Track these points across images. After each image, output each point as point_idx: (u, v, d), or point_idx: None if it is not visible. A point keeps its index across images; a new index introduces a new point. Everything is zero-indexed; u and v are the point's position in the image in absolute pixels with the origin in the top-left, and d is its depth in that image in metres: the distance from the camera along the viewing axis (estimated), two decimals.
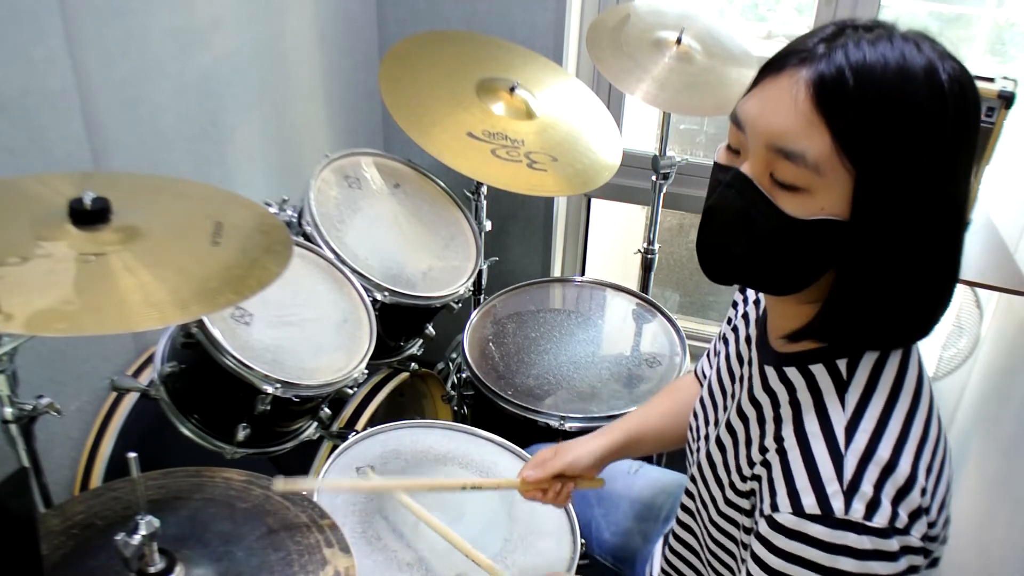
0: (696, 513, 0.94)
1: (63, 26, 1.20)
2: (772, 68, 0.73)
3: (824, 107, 0.68)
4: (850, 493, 0.70)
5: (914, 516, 0.70)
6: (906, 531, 0.70)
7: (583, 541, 1.18)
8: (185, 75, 1.46)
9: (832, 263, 0.74)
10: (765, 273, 0.78)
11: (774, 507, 0.73)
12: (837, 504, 0.69)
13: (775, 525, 0.72)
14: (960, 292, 1.75)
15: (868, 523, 0.68)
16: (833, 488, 0.70)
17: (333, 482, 1.21)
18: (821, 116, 0.68)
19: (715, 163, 0.79)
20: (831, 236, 0.72)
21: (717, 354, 1.02)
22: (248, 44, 1.61)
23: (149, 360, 1.36)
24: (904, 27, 0.71)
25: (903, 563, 0.69)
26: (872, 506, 0.69)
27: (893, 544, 0.69)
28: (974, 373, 1.81)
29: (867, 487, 0.70)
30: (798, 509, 0.71)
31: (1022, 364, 1.55)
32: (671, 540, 1.02)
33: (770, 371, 0.84)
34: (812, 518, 0.70)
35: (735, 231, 0.76)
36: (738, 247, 0.77)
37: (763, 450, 0.79)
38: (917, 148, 0.68)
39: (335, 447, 1.30)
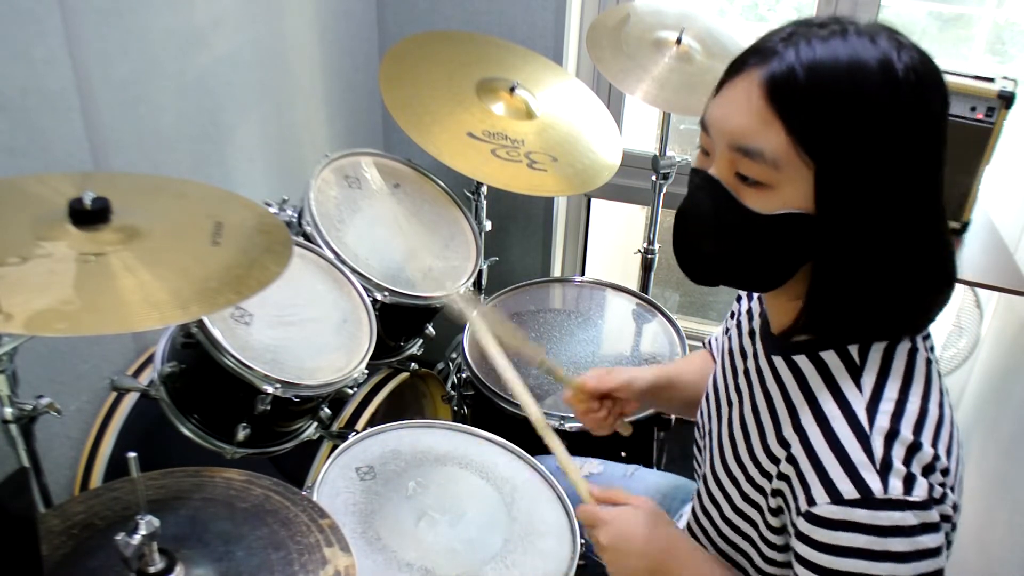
0: (707, 512, 0.93)
1: (63, 26, 1.20)
2: (733, 70, 0.75)
3: (777, 104, 0.70)
4: (884, 471, 0.69)
5: (943, 488, 0.71)
6: (942, 500, 0.70)
7: (583, 541, 1.18)
8: (185, 75, 1.46)
9: (806, 258, 0.75)
10: (739, 270, 0.79)
11: (811, 501, 0.72)
12: (875, 485, 0.69)
13: (816, 519, 0.71)
14: (960, 292, 1.75)
15: (909, 498, 0.68)
16: (866, 469, 0.70)
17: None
18: (775, 112, 0.70)
19: (691, 168, 0.81)
20: (798, 230, 0.73)
21: (720, 349, 1.02)
22: (248, 44, 1.61)
23: (149, 360, 1.36)
24: (863, 22, 0.72)
25: (941, 534, 0.70)
26: (908, 481, 0.69)
27: (934, 515, 0.69)
28: (974, 373, 1.81)
29: (898, 464, 0.70)
30: (836, 497, 0.70)
31: (1022, 364, 1.56)
32: None
33: (778, 360, 0.84)
34: (853, 503, 0.69)
35: (706, 230, 0.78)
36: (709, 245, 0.79)
37: (785, 444, 0.79)
38: (873, 139, 0.69)
39: (335, 447, 1.30)
